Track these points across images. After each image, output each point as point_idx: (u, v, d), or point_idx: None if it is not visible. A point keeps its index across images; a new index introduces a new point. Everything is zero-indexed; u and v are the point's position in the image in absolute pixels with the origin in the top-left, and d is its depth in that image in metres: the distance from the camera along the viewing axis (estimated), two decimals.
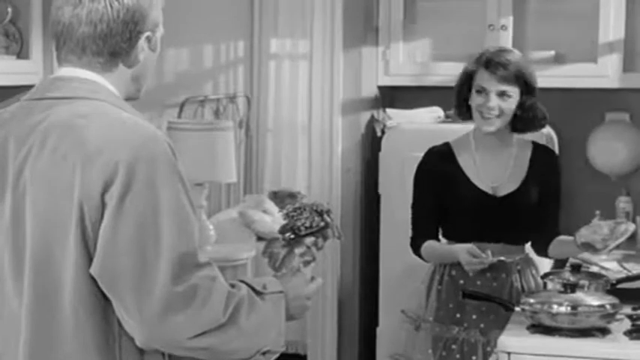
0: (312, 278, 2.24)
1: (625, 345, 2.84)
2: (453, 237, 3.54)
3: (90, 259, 1.93)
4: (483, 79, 3.42)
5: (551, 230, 3.56)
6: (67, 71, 2.07)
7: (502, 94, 3.40)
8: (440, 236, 3.59)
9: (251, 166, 5.61)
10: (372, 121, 5.01)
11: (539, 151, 3.59)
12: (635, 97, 4.86)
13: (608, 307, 2.92)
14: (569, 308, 2.89)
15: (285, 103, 5.51)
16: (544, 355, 2.85)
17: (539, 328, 2.92)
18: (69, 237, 1.93)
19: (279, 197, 5.28)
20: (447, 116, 4.84)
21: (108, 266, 1.91)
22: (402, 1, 4.95)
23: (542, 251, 3.59)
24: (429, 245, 3.54)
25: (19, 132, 2.03)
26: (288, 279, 2.19)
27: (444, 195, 3.51)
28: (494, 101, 3.39)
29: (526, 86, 3.43)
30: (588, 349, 2.83)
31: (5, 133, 2.05)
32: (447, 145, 3.58)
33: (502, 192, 3.50)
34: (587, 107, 4.94)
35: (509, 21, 4.82)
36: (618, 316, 2.93)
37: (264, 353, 2.08)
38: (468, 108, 3.49)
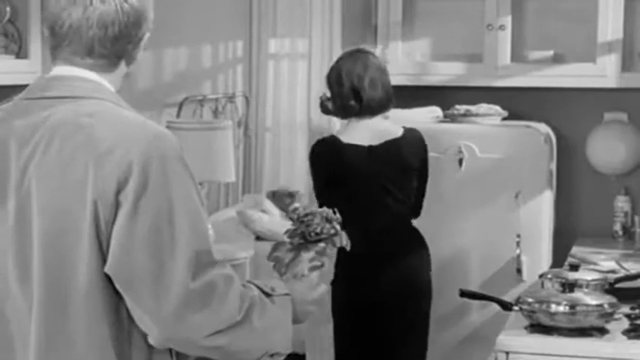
0: (318, 284, 2.24)
1: (623, 344, 2.85)
2: None
3: (103, 259, 1.93)
4: None
5: None
6: (63, 70, 2.07)
7: None
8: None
9: (250, 165, 5.60)
10: None
11: None
12: (634, 97, 4.87)
13: (606, 306, 2.92)
14: (567, 308, 2.89)
15: (284, 102, 5.50)
16: (542, 355, 2.85)
17: (537, 328, 2.92)
18: (82, 236, 1.92)
19: (278, 197, 5.28)
20: (445, 116, 4.84)
21: (124, 265, 1.91)
22: (400, 0, 4.96)
23: None
24: None
25: (20, 132, 2.02)
26: (293, 283, 2.19)
27: None
28: None
29: None
30: (586, 348, 2.83)
31: (5, 133, 2.04)
32: None
33: None
34: (586, 107, 4.95)
35: (507, 21, 4.82)
36: (616, 316, 2.94)
37: (271, 355, 2.08)
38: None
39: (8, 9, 3.89)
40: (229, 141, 4.79)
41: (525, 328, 2.95)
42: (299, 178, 5.42)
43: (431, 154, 4.02)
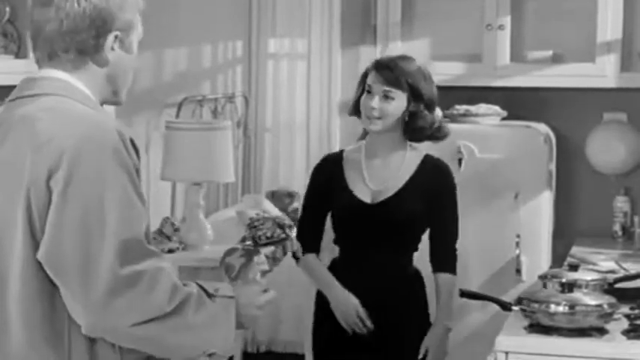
0: (266, 290, 2.25)
1: (623, 344, 2.85)
2: (338, 243, 3.57)
3: (37, 246, 1.98)
4: (371, 79, 3.44)
5: (442, 246, 3.59)
6: (42, 72, 2.13)
7: (385, 96, 3.41)
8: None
9: (249, 165, 5.61)
10: None
11: (429, 163, 3.56)
12: (633, 97, 4.87)
13: (605, 306, 2.92)
14: (566, 308, 2.89)
15: (284, 102, 5.51)
16: (542, 355, 2.85)
17: (537, 328, 2.93)
18: (17, 223, 1.99)
19: (278, 197, 5.28)
20: (444, 116, 4.84)
21: (54, 251, 1.96)
22: (399, 0, 4.96)
23: (432, 265, 3.58)
24: (310, 262, 3.56)
25: None
26: (241, 287, 2.22)
27: (329, 204, 3.54)
28: (377, 102, 3.40)
29: (412, 92, 3.42)
30: (586, 348, 2.83)
31: None
32: (340, 153, 3.62)
33: (379, 199, 3.48)
34: (585, 107, 4.95)
35: (507, 21, 4.82)
36: (616, 316, 2.94)
37: (210, 355, 2.10)
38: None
39: (8, 9, 3.90)
40: (229, 141, 4.80)
41: (525, 328, 2.95)
42: (298, 178, 5.42)
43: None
